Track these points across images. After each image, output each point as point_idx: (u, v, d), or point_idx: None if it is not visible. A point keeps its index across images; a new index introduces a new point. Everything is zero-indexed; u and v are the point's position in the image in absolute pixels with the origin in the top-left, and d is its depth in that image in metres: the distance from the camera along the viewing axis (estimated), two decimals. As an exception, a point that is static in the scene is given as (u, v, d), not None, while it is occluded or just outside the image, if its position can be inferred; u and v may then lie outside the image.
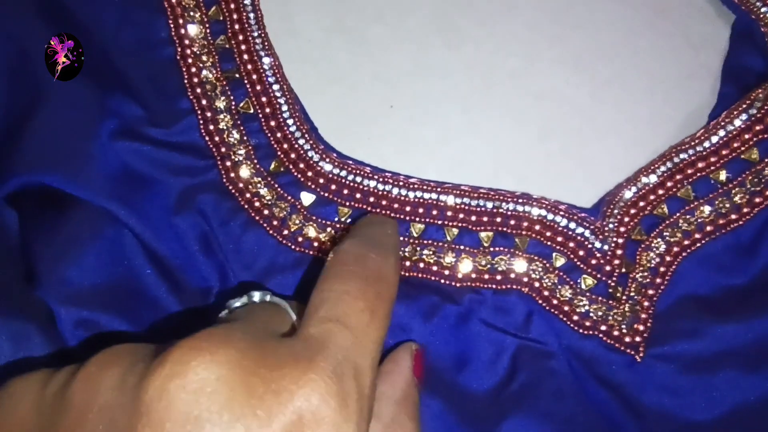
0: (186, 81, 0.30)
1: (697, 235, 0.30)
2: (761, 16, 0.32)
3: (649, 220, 0.30)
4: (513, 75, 0.33)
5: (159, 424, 0.17)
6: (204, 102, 0.30)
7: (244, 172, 0.30)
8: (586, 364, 0.29)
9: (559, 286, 0.30)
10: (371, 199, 0.30)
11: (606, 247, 0.30)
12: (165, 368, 0.18)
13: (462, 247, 0.30)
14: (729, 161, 0.31)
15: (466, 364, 0.29)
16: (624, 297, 0.29)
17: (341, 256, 0.23)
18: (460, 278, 0.30)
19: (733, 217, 0.30)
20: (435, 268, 0.30)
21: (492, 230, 0.30)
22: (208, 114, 0.30)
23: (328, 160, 0.31)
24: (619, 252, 0.30)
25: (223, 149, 0.30)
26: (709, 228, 0.30)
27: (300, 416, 0.18)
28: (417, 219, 0.30)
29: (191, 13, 0.31)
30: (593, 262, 0.30)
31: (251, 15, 0.32)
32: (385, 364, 0.26)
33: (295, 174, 0.30)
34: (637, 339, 0.29)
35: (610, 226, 0.30)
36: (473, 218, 0.30)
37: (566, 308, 0.29)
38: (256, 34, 0.32)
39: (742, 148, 0.31)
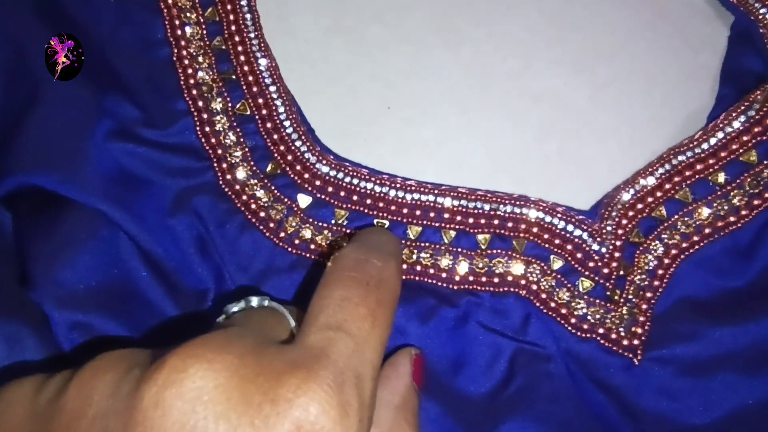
0: (182, 82, 0.30)
1: (695, 238, 0.30)
2: (760, 17, 0.32)
3: (647, 222, 0.30)
4: (511, 76, 0.33)
5: None
6: (200, 103, 0.30)
7: (241, 174, 0.30)
8: (584, 367, 0.29)
9: (557, 289, 0.29)
10: (368, 201, 0.30)
11: (604, 250, 0.30)
12: (161, 376, 0.18)
13: (459, 250, 0.30)
14: (727, 163, 0.31)
15: (463, 367, 0.29)
16: (622, 300, 0.29)
17: (342, 261, 0.23)
18: (458, 281, 0.30)
19: (732, 219, 0.30)
20: (432, 270, 0.30)
21: (489, 232, 0.30)
22: (205, 115, 0.30)
23: (325, 162, 0.31)
24: (616, 254, 0.30)
25: (219, 151, 0.30)
26: (707, 230, 0.30)
27: (298, 427, 0.18)
28: (414, 221, 0.30)
29: (187, 14, 0.31)
30: (591, 264, 0.30)
31: (248, 16, 0.32)
32: (385, 368, 0.26)
33: (292, 176, 0.30)
34: (635, 342, 0.29)
35: (608, 228, 0.30)
36: (471, 220, 0.30)
37: (564, 311, 0.29)
38: (252, 35, 0.31)
39: (741, 150, 0.31)
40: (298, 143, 0.31)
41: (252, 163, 0.30)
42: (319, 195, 0.30)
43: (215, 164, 0.30)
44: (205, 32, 0.31)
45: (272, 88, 0.31)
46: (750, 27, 0.33)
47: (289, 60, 0.32)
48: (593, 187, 0.32)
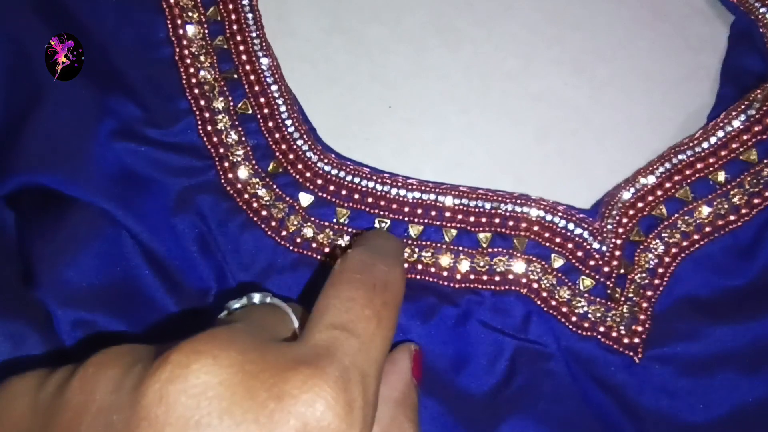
0: (184, 81, 0.30)
1: (695, 237, 0.30)
2: (760, 16, 0.32)
3: (648, 221, 0.30)
4: (511, 76, 0.33)
5: (158, 429, 0.17)
6: (202, 102, 0.30)
7: (243, 172, 0.30)
8: (585, 366, 0.29)
9: (558, 287, 0.30)
10: (369, 200, 0.30)
11: (604, 248, 0.30)
12: (165, 371, 0.18)
13: (460, 248, 0.30)
14: (728, 162, 0.31)
15: (465, 366, 0.29)
16: (622, 298, 0.29)
17: (349, 263, 0.23)
18: (459, 279, 0.30)
19: (732, 218, 0.30)
20: (433, 269, 0.30)
21: (490, 231, 0.30)
22: (207, 114, 0.30)
23: (326, 160, 0.31)
24: (617, 253, 0.30)
25: (221, 150, 0.30)
26: (707, 229, 0.30)
27: (304, 423, 0.17)
28: (415, 220, 0.30)
29: (189, 14, 0.31)
30: (592, 263, 0.30)
31: (249, 15, 0.32)
32: (384, 365, 0.26)
33: (294, 175, 0.30)
34: (636, 340, 0.29)
35: (609, 227, 0.30)
36: (472, 219, 0.30)
37: (565, 309, 0.29)
38: (254, 34, 0.32)
39: (741, 149, 0.31)
40: (299, 142, 0.31)
41: (254, 162, 0.30)
42: (320, 194, 0.30)
43: (217, 163, 0.30)
44: (206, 32, 0.31)
45: (274, 88, 0.31)
46: (750, 26, 0.33)
47: (290, 59, 0.32)
48: (594, 186, 0.32)
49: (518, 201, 0.30)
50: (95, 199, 0.28)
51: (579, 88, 0.33)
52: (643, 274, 0.30)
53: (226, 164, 0.30)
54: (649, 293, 0.29)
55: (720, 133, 0.31)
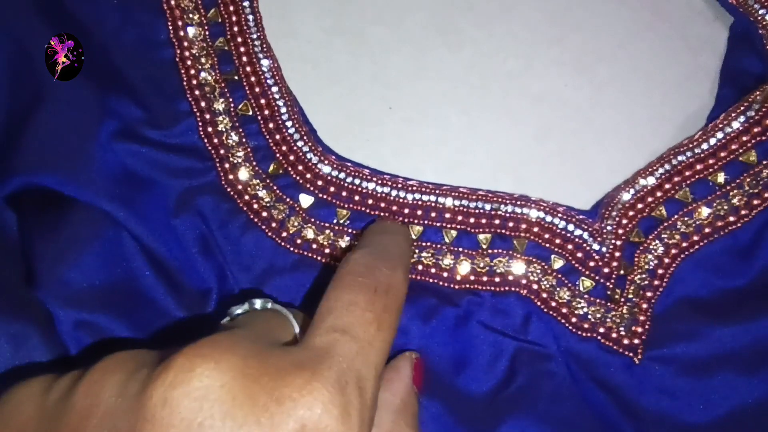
0: (185, 83, 0.31)
1: (695, 238, 0.30)
2: (759, 18, 0.32)
3: (648, 222, 0.30)
4: (512, 76, 0.34)
5: (162, 431, 0.17)
6: (203, 104, 0.30)
7: (243, 174, 0.30)
8: (585, 367, 0.29)
9: (558, 288, 0.30)
10: (370, 202, 0.30)
11: (604, 249, 0.30)
12: (169, 375, 0.18)
13: (460, 249, 0.30)
14: (727, 163, 0.31)
15: (465, 366, 0.29)
16: (622, 299, 0.30)
17: (351, 266, 0.23)
18: (459, 280, 0.30)
19: (731, 219, 0.30)
20: (433, 270, 0.30)
21: (490, 232, 0.30)
22: (207, 116, 0.30)
23: (326, 162, 0.31)
24: (617, 254, 0.30)
25: (221, 151, 0.30)
26: (707, 230, 0.30)
27: (303, 425, 0.18)
28: (415, 221, 0.30)
29: (190, 15, 0.31)
30: (591, 264, 0.30)
31: (250, 17, 0.32)
32: (385, 371, 0.26)
33: (294, 176, 0.30)
34: (636, 341, 0.29)
35: (609, 228, 0.30)
36: (472, 220, 0.30)
37: (564, 310, 0.29)
38: (255, 36, 0.32)
39: (740, 151, 0.31)
40: (300, 143, 0.31)
41: (254, 163, 0.30)
42: (321, 195, 0.30)
43: (218, 164, 0.30)
44: (207, 33, 0.31)
45: (274, 89, 0.31)
46: (749, 28, 0.33)
47: (291, 61, 0.32)
48: (593, 187, 0.32)
49: (518, 202, 0.30)
50: (96, 200, 0.28)
51: (579, 89, 0.33)
52: (643, 275, 0.30)
53: (227, 165, 0.30)
54: (649, 294, 0.30)
55: (719, 135, 0.31)
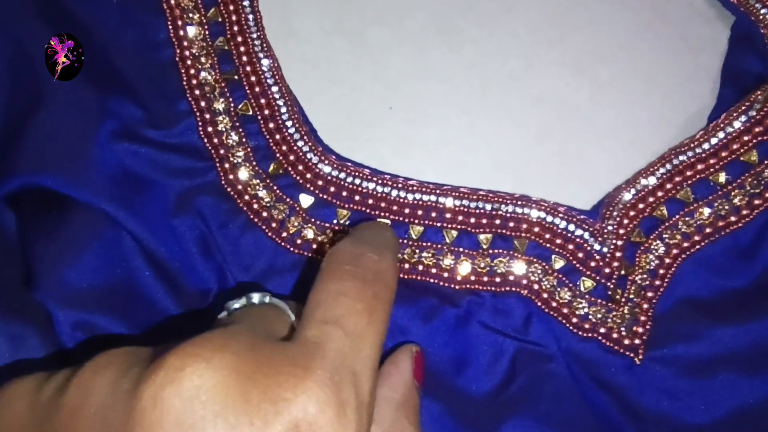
0: (185, 83, 0.30)
1: (696, 238, 0.30)
2: (761, 18, 0.32)
3: (649, 222, 0.30)
4: (512, 77, 0.33)
5: None
6: (203, 104, 0.30)
7: (243, 174, 0.30)
8: (585, 367, 0.29)
9: (558, 289, 0.30)
10: (370, 201, 0.30)
11: (605, 250, 0.30)
12: (159, 375, 0.18)
13: (461, 250, 0.30)
14: (728, 163, 0.31)
15: (465, 367, 0.29)
16: (623, 299, 0.29)
17: (337, 255, 0.23)
18: (459, 280, 0.30)
19: (733, 219, 0.30)
20: (434, 270, 0.30)
21: (491, 232, 0.30)
22: (207, 116, 0.30)
23: (327, 162, 0.31)
24: (618, 254, 0.30)
25: (221, 151, 0.30)
26: (708, 230, 0.30)
27: (296, 425, 0.18)
28: (416, 221, 0.30)
29: (190, 15, 0.31)
30: (592, 264, 0.30)
31: (250, 17, 0.32)
32: (385, 366, 0.26)
33: (294, 176, 0.30)
34: (636, 341, 0.29)
35: (609, 228, 0.30)
36: (472, 220, 0.30)
37: (565, 310, 0.29)
38: (255, 35, 0.32)
39: (742, 150, 0.31)
40: (300, 143, 0.31)
41: (254, 163, 0.30)
42: (321, 195, 0.30)
43: (218, 164, 0.30)
44: (207, 33, 0.31)
45: (274, 89, 0.31)
46: (750, 28, 0.33)
47: (291, 61, 0.32)
48: (594, 187, 0.32)
49: (519, 202, 0.30)
50: (96, 201, 0.28)
51: (580, 89, 0.33)
52: (644, 275, 0.30)
53: (227, 165, 0.30)
54: (650, 294, 0.29)
55: (720, 134, 0.31)
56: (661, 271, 0.30)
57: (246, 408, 0.17)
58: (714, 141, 0.31)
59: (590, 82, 0.33)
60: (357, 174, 0.31)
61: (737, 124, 0.31)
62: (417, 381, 0.26)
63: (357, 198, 0.30)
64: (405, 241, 0.30)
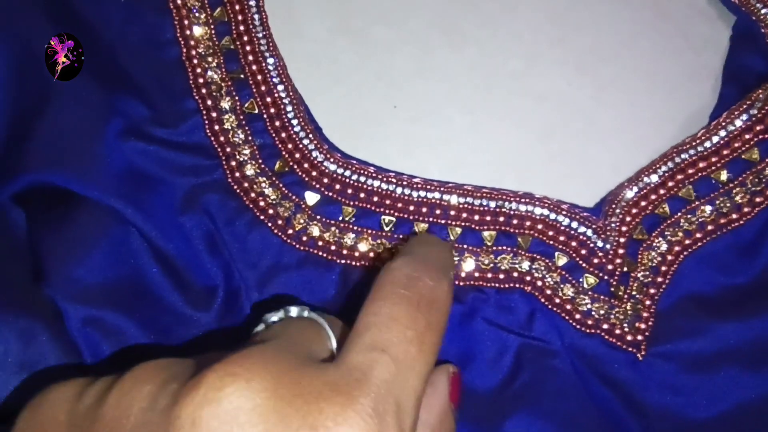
0: (191, 81, 0.31)
1: (698, 235, 0.30)
2: (762, 17, 0.33)
3: (651, 219, 0.31)
4: (515, 76, 0.34)
5: None
6: (209, 102, 0.31)
7: (249, 171, 0.30)
8: (589, 363, 0.29)
9: (562, 285, 0.30)
10: (375, 199, 0.31)
11: (608, 247, 0.30)
12: (198, 394, 0.17)
13: (465, 247, 0.30)
14: (730, 161, 0.31)
15: (470, 363, 0.29)
16: (626, 296, 0.30)
17: (393, 275, 0.21)
18: (464, 277, 0.30)
19: (734, 216, 0.30)
20: (438, 267, 0.30)
21: (495, 229, 0.30)
22: (214, 114, 0.30)
23: (332, 159, 0.31)
24: (620, 251, 0.30)
25: (228, 149, 0.30)
26: (710, 227, 0.30)
27: None
28: (420, 218, 0.30)
29: (196, 14, 0.31)
30: (595, 261, 0.30)
31: (256, 16, 0.32)
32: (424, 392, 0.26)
33: (300, 174, 0.31)
34: (639, 337, 0.29)
35: (612, 225, 0.31)
36: (476, 217, 0.30)
37: (568, 307, 0.29)
38: (260, 35, 0.32)
39: (743, 148, 0.31)
40: (305, 141, 0.31)
41: (260, 161, 0.30)
42: (326, 192, 0.30)
43: (224, 162, 0.30)
44: (213, 32, 0.31)
45: (280, 87, 0.31)
46: (752, 27, 0.33)
47: (296, 60, 0.32)
48: (597, 184, 0.32)
49: (522, 200, 0.31)
50: (104, 198, 0.28)
51: (582, 88, 0.34)
52: (647, 272, 0.30)
53: (233, 163, 0.30)
54: (653, 291, 0.30)
55: (722, 133, 0.31)
56: (664, 268, 0.30)
57: None
58: (715, 139, 0.31)
59: (592, 80, 0.34)
60: (362, 171, 0.31)
61: (739, 123, 0.31)
62: (453, 403, 0.25)
63: (362, 195, 0.31)
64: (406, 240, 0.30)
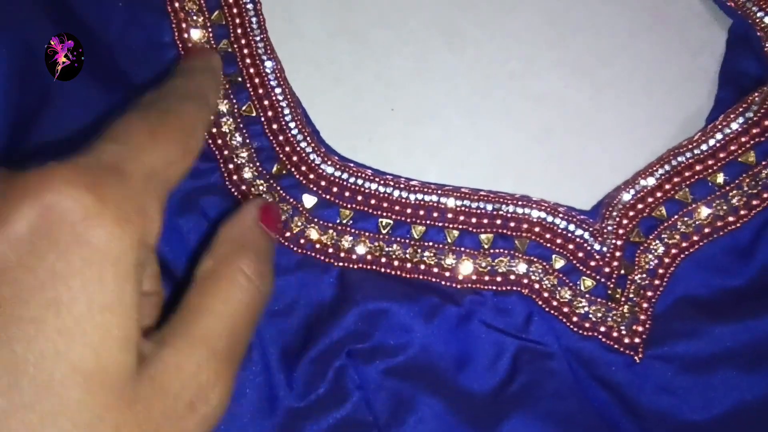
0: (189, 84, 0.31)
1: (695, 238, 0.30)
2: (757, 21, 0.33)
3: (648, 222, 0.31)
4: (513, 77, 0.34)
5: None
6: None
7: (247, 174, 0.30)
8: (586, 365, 0.29)
9: (559, 288, 0.30)
10: (372, 202, 0.31)
11: (605, 249, 0.30)
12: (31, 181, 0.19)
13: (462, 249, 0.30)
14: (726, 164, 0.31)
15: (467, 365, 0.29)
16: (623, 298, 0.30)
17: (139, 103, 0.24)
18: (461, 280, 0.30)
19: (731, 219, 0.30)
20: (436, 269, 0.30)
21: (492, 232, 0.30)
22: (211, 117, 0.30)
23: (329, 162, 0.31)
24: (617, 254, 0.30)
25: (225, 152, 0.30)
26: (707, 230, 0.30)
27: (42, 213, 0.18)
28: (418, 221, 0.31)
29: (194, 17, 0.31)
30: (592, 263, 0.30)
31: (254, 19, 0.32)
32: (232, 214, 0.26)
33: (297, 176, 0.31)
34: (636, 340, 0.29)
35: (609, 228, 0.31)
36: (474, 220, 0.31)
37: (566, 309, 0.30)
38: (258, 38, 0.32)
39: (739, 151, 0.31)
40: (303, 144, 0.31)
41: (258, 164, 0.31)
42: (324, 195, 0.31)
43: (222, 165, 0.30)
44: (211, 35, 0.31)
45: (277, 90, 0.31)
46: (748, 30, 0.33)
47: (294, 61, 0.32)
48: (594, 187, 0.32)
49: (520, 202, 0.31)
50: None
51: (580, 90, 0.34)
52: (644, 275, 0.30)
53: (231, 166, 0.30)
54: (650, 293, 0.30)
55: (719, 136, 0.32)
56: (661, 271, 0.30)
57: None
58: (712, 142, 0.32)
59: (590, 82, 0.34)
60: (359, 174, 0.31)
61: (735, 126, 0.31)
62: (268, 228, 0.26)
63: (359, 198, 0.31)
64: (407, 241, 0.30)
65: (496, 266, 0.30)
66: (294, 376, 0.28)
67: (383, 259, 0.30)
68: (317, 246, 0.30)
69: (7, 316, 0.18)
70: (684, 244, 0.30)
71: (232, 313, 0.22)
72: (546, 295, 0.30)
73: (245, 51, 0.31)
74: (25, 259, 0.18)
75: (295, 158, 0.31)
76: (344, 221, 0.30)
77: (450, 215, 0.31)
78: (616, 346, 0.29)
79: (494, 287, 0.30)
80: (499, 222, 0.30)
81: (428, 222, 0.31)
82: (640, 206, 0.31)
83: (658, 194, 0.31)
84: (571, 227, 0.31)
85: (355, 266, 0.30)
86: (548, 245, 0.30)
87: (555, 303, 0.30)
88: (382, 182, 0.31)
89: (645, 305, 0.30)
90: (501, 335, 0.29)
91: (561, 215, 0.31)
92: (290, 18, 0.34)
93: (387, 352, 0.29)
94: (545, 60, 0.34)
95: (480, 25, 0.34)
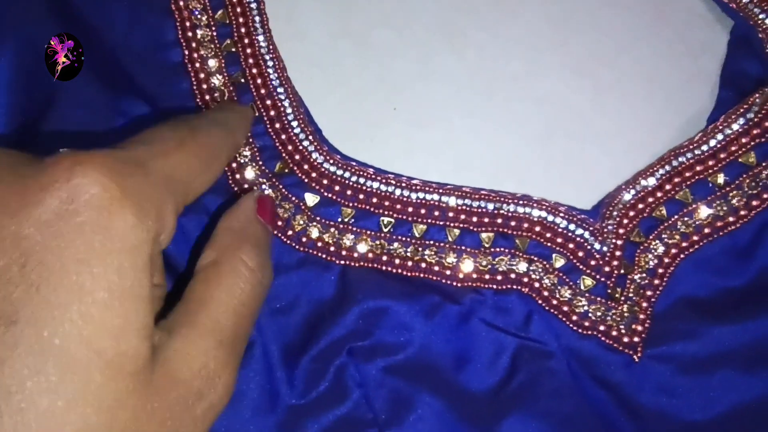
0: (194, 83, 0.31)
1: (695, 238, 0.31)
2: (759, 22, 0.33)
3: (648, 222, 0.31)
4: (515, 79, 0.34)
5: None
6: (211, 105, 0.31)
7: (250, 173, 0.31)
8: (585, 364, 0.29)
9: (559, 287, 0.30)
10: (374, 200, 0.31)
11: (605, 249, 0.30)
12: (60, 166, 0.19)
13: (463, 248, 0.30)
14: (727, 165, 0.31)
15: (467, 363, 0.29)
16: (622, 298, 0.30)
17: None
18: (461, 278, 0.30)
19: (731, 219, 0.31)
20: (436, 268, 0.30)
21: (493, 231, 0.31)
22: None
23: (332, 161, 0.31)
24: (617, 253, 0.30)
25: (229, 150, 0.31)
26: (706, 230, 0.31)
27: (70, 195, 0.19)
28: (419, 220, 0.31)
29: (198, 16, 0.32)
30: (592, 263, 0.30)
31: (257, 19, 0.32)
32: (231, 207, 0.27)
33: (300, 175, 0.31)
34: (635, 339, 0.29)
35: (609, 227, 0.31)
36: (474, 219, 0.31)
37: (565, 308, 0.30)
38: (261, 38, 0.32)
39: (740, 152, 0.31)
40: (305, 143, 0.31)
41: (261, 162, 0.31)
42: (326, 194, 0.31)
43: (225, 164, 0.30)
44: (215, 34, 0.32)
45: (280, 90, 0.32)
46: (749, 32, 0.33)
47: (297, 62, 0.33)
48: (595, 187, 0.32)
49: (520, 202, 0.31)
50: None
51: (581, 91, 0.34)
52: (643, 275, 0.30)
53: (234, 165, 0.31)
54: (649, 293, 0.30)
55: (719, 136, 0.32)
56: (660, 271, 0.30)
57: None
58: (713, 143, 0.32)
59: (592, 84, 0.34)
60: (361, 173, 0.31)
61: (736, 127, 0.32)
62: (264, 219, 0.27)
63: (361, 197, 0.31)
64: (408, 240, 0.30)
65: (496, 265, 0.30)
66: (295, 374, 0.28)
67: (384, 258, 0.30)
68: (319, 244, 0.30)
69: (38, 298, 0.18)
70: (684, 244, 0.30)
71: (236, 303, 0.23)
72: (546, 293, 0.30)
73: (248, 50, 0.32)
74: (51, 242, 0.18)
75: (297, 157, 0.31)
76: (346, 219, 0.31)
77: (451, 214, 0.31)
78: (615, 345, 0.29)
79: (494, 286, 0.30)
80: (499, 221, 0.31)
81: (429, 221, 0.31)
82: (640, 206, 0.31)
83: (659, 194, 0.31)
84: (572, 226, 0.31)
85: (357, 264, 0.30)
86: (548, 244, 0.30)
87: (555, 302, 0.30)
88: (383, 181, 0.31)
89: (644, 305, 0.30)
90: (501, 334, 0.29)
91: (561, 214, 0.31)
92: (293, 19, 0.34)
93: (387, 350, 0.29)
94: (547, 61, 0.34)
95: (482, 27, 0.34)
